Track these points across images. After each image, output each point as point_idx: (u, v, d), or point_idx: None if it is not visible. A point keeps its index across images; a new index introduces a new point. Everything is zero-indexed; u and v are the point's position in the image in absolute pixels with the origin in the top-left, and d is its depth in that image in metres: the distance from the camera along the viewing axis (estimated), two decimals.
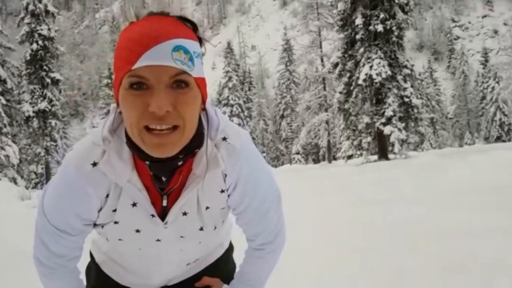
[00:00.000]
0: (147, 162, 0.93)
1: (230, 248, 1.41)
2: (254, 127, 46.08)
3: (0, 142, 20.05)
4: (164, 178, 0.96)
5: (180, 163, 0.95)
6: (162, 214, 1.03)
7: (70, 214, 1.01)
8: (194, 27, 0.93)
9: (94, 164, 0.96)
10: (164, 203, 1.01)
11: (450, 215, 4.84)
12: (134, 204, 1.01)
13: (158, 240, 1.08)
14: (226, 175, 1.02)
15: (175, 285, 1.28)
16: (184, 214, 1.04)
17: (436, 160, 12.61)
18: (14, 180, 19.43)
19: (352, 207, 6.15)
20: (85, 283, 1.29)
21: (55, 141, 25.07)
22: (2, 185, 11.55)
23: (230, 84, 42.93)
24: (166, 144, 0.85)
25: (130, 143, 0.92)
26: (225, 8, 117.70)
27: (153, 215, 1.02)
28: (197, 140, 0.95)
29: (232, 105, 42.10)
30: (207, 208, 1.06)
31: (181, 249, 1.15)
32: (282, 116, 45.74)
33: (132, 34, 0.85)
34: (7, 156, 20.23)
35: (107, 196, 1.00)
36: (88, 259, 1.34)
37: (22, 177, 21.96)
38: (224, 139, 1.01)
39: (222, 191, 1.05)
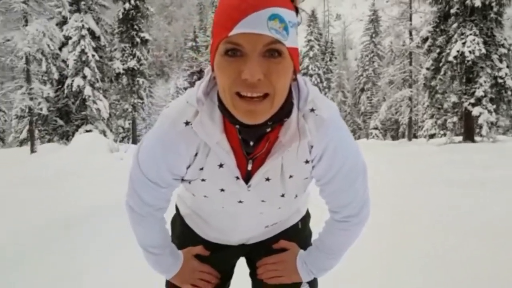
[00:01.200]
0: (237, 126, 0.95)
1: (307, 215, 1.43)
2: (332, 99, 45.29)
3: (93, 96, 21.45)
4: (251, 143, 0.99)
5: (268, 130, 0.96)
6: (247, 177, 1.07)
7: (162, 168, 1.07)
8: None
9: (187, 123, 1.01)
10: (249, 167, 1.05)
11: None
12: (221, 165, 1.05)
13: (240, 201, 1.12)
14: (312, 146, 1.03)
15: (253, 244, 1.34)
16: (267, 179, 1.07)
17: None
18: (103, 133, 20.80)
19: (433, 188, 5.97)
20: (170, 233, 1.37)
21: (142, 98, 26.33)
22: (94, 136, 12.40)
23: (311, 54, 42.30)
24: (255, 111, 0.87)
25: (222, 106, 0.95)
26: None
27: (237, 177, 1.06)
28: (286, 109, 0.97)
29: (311, 75, 41.57)
30: (291, 176, 1.08)
31: (261, 212, 1.18)
32: (362, 90, 44.51)
33: (231, 0, 0.86)
34: (98, 110, 21.65)
35: (196, 154, 1.05)
36: (173, 214, 1.43)
37: (111, 130, 23.39)
38: (312, 110, 1.01)
39: (307, 161, 1.06)
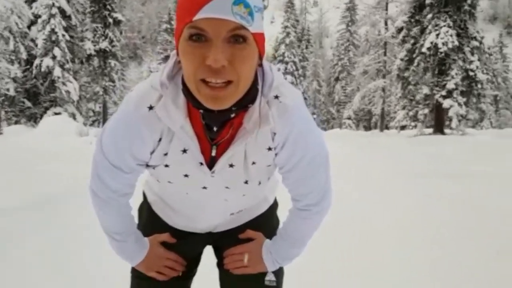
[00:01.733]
0: (201, 111, 0.95)
1: (275, 204, 1.43)
2: (307, 87, 45.54)
3: (62, 77, 20.91)
4: (215, 128, 0.99)
5: (232, 116, 0.96)
6: (210, 163, 1.06)
7: (125, 152, 1.05)
8: None
9: (151, 108, 0.99)
10: (213, 153, 1.04)
11: (505, 196, 4.70)
12: (184, 151, 1.04)
13: (204, 187, 1.12)
14: (275, 134, 1.02)
15: (220, 233, 1.33)
16: (231, 166, 1.07)
17: (494, 140, 12.12)
18: (73, 116, 20.37)
19: (402, 179, 6.05)
20: (136, 221, 1.35)
21: (113, 81, 25.85)
22: (63, 119, 12.13)
23: (287, 40, 42.26)
24: (220, 97, 0.86)
25: (186, 91, 0.93)
26: None
27: (201, 163, 1.05)
28: (251, 95, 0.96)
29: (287, 62, 41.59)
30: (253, 163, 1.07)
31: (226, 198, 1.18)
32: (337, 79, 44.84)
33: None
34: (68, 92, 21.15)
35: (160, 139, 1.03)
36: (140, 201, 1.40)
37: (80, 113, 22.97)
38: (277, 97, 1.00)
39: (270, 148, 1.05)
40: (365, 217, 4.02)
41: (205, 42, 0.84)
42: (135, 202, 1.34)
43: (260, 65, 0.99)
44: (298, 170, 1.09)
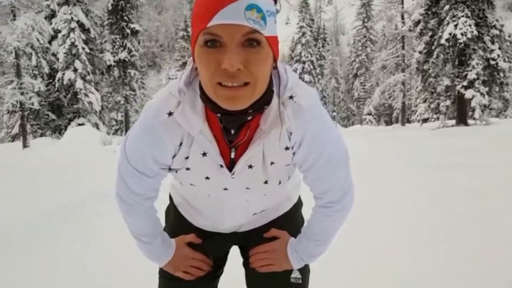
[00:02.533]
0: (219, 114, 0.98)
1: (299, 203, 1.44)
2: (326, 85, 45.31)
3: (84, 89, 21.31)
4: (233, 131, 1.01)
5: (249, 118, 0.99)
6: (230, 165, 1.09)
7: (147, 157, 1.08)
8: None
9: (170, 114, 1.02)
10: (232, 155, 1.07)
11: None
12: (204, 154, 1.07)
13: (225, 188, 1.14)
14: (291, 133, 1.05)
15: (244, 232, 1.36)
16: (250, 167, 1.09)
17: None
18: (96, 126, 20.73)
19: (424, 171, 5.99)
20: (163, 223, 1.41)
21: (134, 90, 26.18)
22: (86, 129, 12.35)
23: (303, 40, 42.14)
24: (237, 98, 0.89)
25: (204, 95, 0.97)
26: None
27: (221, 166, 1.08)
28: (267, 97, 0.99)
29: (304, 62, 41.47)
30: (272, 163, 1.10)
31: (247, 199, 1.20)
32: (356, 75, 44.47)
33: None
34: (90, 103, 21.54)
35: (181, 144, 1.07)
36: (167, 204, 1.45)
37: (103, 123, 23.32)
38: (291, 97, 1.03)
39: (287, 148, 1.07)
40: (382, 213, 4.01)
41: (220, 48, 0.87)
42: (162, 205, 1.40)
43: (275, 67, 1.01)
44: (316, 168, 1.11)
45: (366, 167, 6.03)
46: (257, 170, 1.10)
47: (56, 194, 5.30)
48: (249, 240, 1.36)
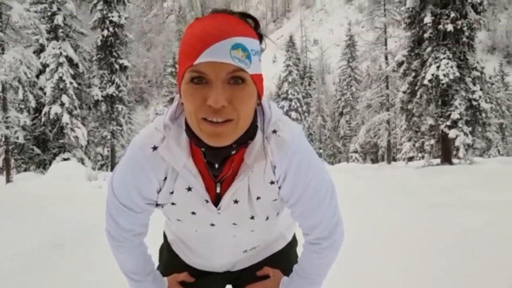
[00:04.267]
0: (203, 149, 1.00)
1: (294, 241, 1.44)
2: (312, 123, 45.76)
3: (71, 123, 21.18)
4: (216, 165, 1.03)
5: (233, 152, 1.00)
6: (216, 200, 1.09)
7: (133, 192, 1.09)
8: (255, 24, 0.98)
9: (154, 148, 1.04)
10: (218, 189, 1.07)
11: None
12: (189, 189, 1.08)
13: (212, 224, 1.15)
14: (275, 167, 1.06)
15: (238, 271, 1.35)
16: (236, 202, 1.09)
17: (503, 168, 12.05)
18: (82, 161, 20.48)
19: (413, 211, 6.01)
20: (157, 261, 1.40)
21: (121, 125, 26.08)
22: (71, 164, 12.21)
23: (290, 78, 42.81)
24: (220, 134, 0.91)
25: (189, 130, 0.99)
26: (290, 1, 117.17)
27: (207, 201, 1.09)
28: (251, 132, 1.01)
29: (291, 100, 41.99)
30: (258, 198, 1.10)
31: (234, 235, 1.20)
32: (341, 113, 45.07)
33: (196, 31, 0.91)
34: (76, 137, 21.35)
35: (165, 179, 1.08)
36: (161, 242, 1.44)
37: (89, 158, 23.08)
38: (275, 131, 1.04)
39: (272, 182, 1.08)
40: (372, 248, 3.99)
41: (205, 84, 0.89)
42: (156, 243, 1.38)
43: (260, 104, 1.05)
44: (302, 203, 1.11)
45: (355, 205, 6.04)
46: (243, 205, 1.10)
47: (42, 230, 5.21)
48: (242, 279, 1.34)
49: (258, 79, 0.95)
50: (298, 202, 1.11)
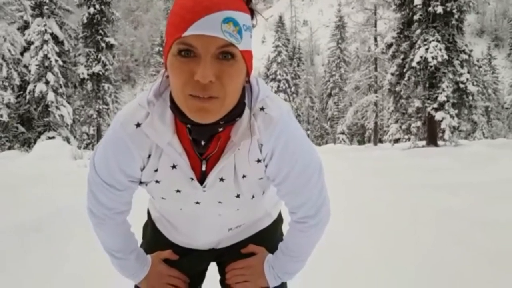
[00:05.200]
0: (188, 126, 0.96)
1: (279, 219, 1.42)
2: (300, 104, 45.79)
3: (56, 102, 20.91)
4: (203, 142, 1.00)
5: (220, 130, 0.98)
6: (201, 178, 1.07)
7: (116, 169, 1.06)
8: None
9: (138, 125, 1.01)
10: (203, 167, 1.05)
11: (499, 206, 4.69)
12: (174, 166, 1.05)
13: (197, 202, 1.12)
14: (262, 145, 1.03)
15: (223, 249, 1.34)
16: (221, 180, 1.07)
17: (487, 150, 12.19)
18: (67, 140, 20.30)
19: (397, 191, 6.06)
20: (141, 238, 1.38)
21: (107, 104, 25.85)
22: (57, 143, 12.06)
23: (279, 59, 42.64)
24: (207, 110, 0.88)
25: (174, 106, 0.95)
26: None
27: (192, 178, 1.07)
28: (238, 109, 0.98)
29: (279, 80, 41.89)
30: (244, 176, 1.08)
31: (220, 213, 1.19)
32: (330, 95, 45.15)
33: (186, 1, 0.86)
34: (61, 116, 21.12)
35: (149, 156, 1.05)
36: (144, 220, 1.42)
37: (74, 137, 22.91)
38: (262, 109, 1.01)
39: (259, 160, 1.05)
40: (354, 227, 4.03)
41: (193, 58, 0.86)
42: (139, 221, 1.35)
43: (248, 81, 1.01)
44: (289, 182, 1.09)
45: (340, 185, 6.07)
46: (229, 183, 1.08)
47: (25, 208, 5.13)
48: (226, 257, 1.33)
49: (247, 56, 0.92)
50: (285, 181, 1.09)
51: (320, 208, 1.16)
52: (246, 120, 1.00)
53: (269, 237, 1.35)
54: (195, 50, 0.85)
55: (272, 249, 1.30)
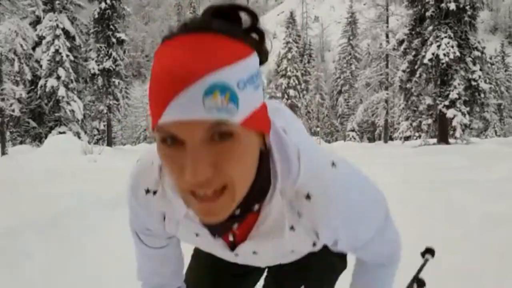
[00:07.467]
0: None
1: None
2: (310, 101, 45.64)
3: (67, 97, 21.07)
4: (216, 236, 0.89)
5: (235, 226, 0.84)
6: (232, 245, 0.93)
7: (142, 227, 1.00)
8: (252, 18, 0.72)
9: (148, 191, 0.88)
10: (231, 238, 0.90)
11: (509, 203, 4.64)
12: (196, 234, 0.92)
13: (236, 254, 0.97)
14: (317, 232, 0.85)
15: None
16: (255, 253, 0.93)
17: (499, 148, 12.06)
18: (78, 135, 20.44)
19: (406, 187, 6.01)
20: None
21: (117, 100, 25.96)
22: (67, 138, 12.17)
23: (289, 55, 42.48)
24: (212, 210, 0.69)
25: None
26: None
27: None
28: (258, 190, 0.78)
29: (289, 77, 41.76)
30: (292, 251, 0.93)
31: (257, 254, 1.02)
32: (340, 92, 44.94)
33: (161, 66, 0.65)
34: (72, 111, 21.28)
35: (164, 218, 0.93)
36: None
37: (85, 132, 23.07)
38: (308, 197, 0.80)
39: (314, 244, 0.89)
40: None
41: (181, 145, 0.65)
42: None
43: (265, 145, 0.79)
44: (367, 247, 0.97)
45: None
46: (266, 254, 0.94)
47: (37, 204, 5.16)
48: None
49: (255, 119, 0.68)
50: (361, 249, 0.97)
51: (393, 255, 1.08)
52: (276, 209, 0.81)
53: (317, 263, 1.18)
54: (178, 138, 0.65)
55: (319, 277, 1.20)
